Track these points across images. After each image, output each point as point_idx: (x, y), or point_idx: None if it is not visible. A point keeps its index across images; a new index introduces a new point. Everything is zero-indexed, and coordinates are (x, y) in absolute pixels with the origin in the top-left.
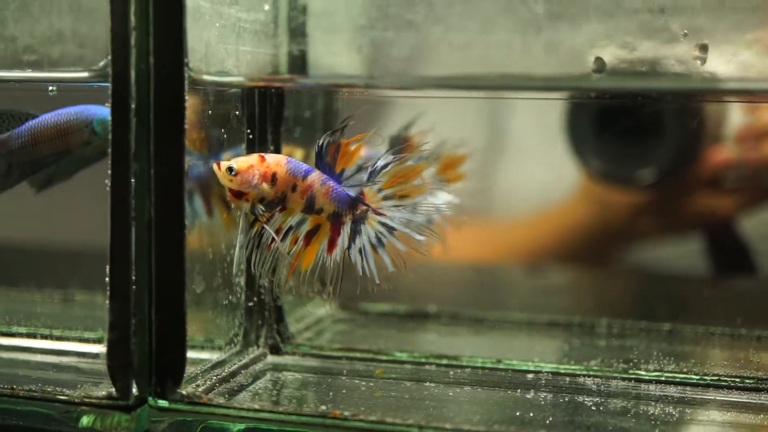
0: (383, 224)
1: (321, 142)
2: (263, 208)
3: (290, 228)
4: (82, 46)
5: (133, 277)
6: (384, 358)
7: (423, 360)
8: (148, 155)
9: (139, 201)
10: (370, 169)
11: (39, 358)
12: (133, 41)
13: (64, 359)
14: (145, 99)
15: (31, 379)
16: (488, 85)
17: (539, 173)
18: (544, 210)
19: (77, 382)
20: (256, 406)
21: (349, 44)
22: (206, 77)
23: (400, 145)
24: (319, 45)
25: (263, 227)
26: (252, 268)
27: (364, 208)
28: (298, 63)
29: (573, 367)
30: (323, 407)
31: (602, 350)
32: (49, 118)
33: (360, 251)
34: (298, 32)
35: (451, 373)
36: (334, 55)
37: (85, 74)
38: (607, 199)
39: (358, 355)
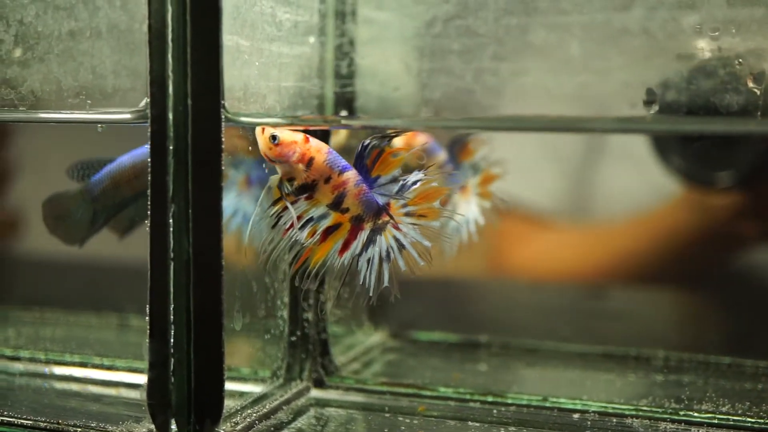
0: (396, 239)
1: (367, 142)
2: (289, 189)
3: (311, 219)
4: (124, 87)
5: (172, 317)
6: (428, 393)
7: (467, 396)
8: (186, 196)
9: (177, 241)
10: (401, 183)
11: (91, 388)
12: (170, 84)
13: (113, 390)
14: (183, 141)
15: (79, 412)
16: (529, 126)
17: (638, 176)
18: (644, 213)
19: (121, 416)
20: None
21: (394, 82)
22: (244, 118)
23: (459, 146)
24: (366, 81)
25: (285, 209)
26: (260, 248)
27: (387, 219)
28: (346, 100)
29: (622, 406)
30: None
31: (655, 387)
32: (126, 160)
33: (368, 261)
34: (345, 70)
35: (495, 411)
36: (381, 92)
37: (127, 116)
38: (707, 203)
39: (402, 390)
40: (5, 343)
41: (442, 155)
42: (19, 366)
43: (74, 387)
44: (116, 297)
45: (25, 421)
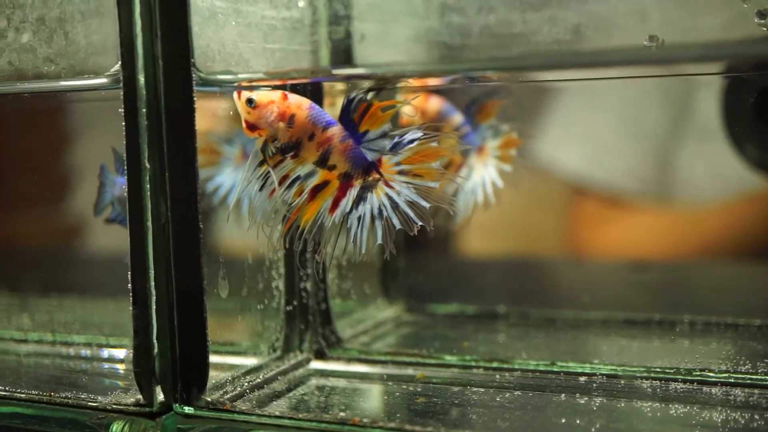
0: (389, 197)
1: (352, 96)
2: (274, 150)
3: (298, 178)
4: (100, 51)
5: (153, 282)
6: (432, 362)
7: (472, 363)
8: (162, 158)
9: (154, 204)
10: (396, 140)
11: (95, 365)
12: (140, 45)
13: (115, 365)
14: (155, 102)
15: (76, 385)
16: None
17: (729, 155)
18: (733, 197)
19: (114, 388)
20: (277, 413)
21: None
22: (221, 77)
23: (476, 107)
24: (365, 36)
25: (270, 171)
26: (247, 212)
27: (377, 176)
28: (341, 57)
29: (632, 368)
30: (342, 414)
31: (673, 350)
32: None
33: (359, 219)
34: (340, 25)
35: (497, 376)
36: (381, 47)
37: (103, 80)
38: None
39: (405, 359)
40: (18, 327)
41: (457, 118)
42: (27, 347)
43: (77, 364)
44: None
45: (19, 395)
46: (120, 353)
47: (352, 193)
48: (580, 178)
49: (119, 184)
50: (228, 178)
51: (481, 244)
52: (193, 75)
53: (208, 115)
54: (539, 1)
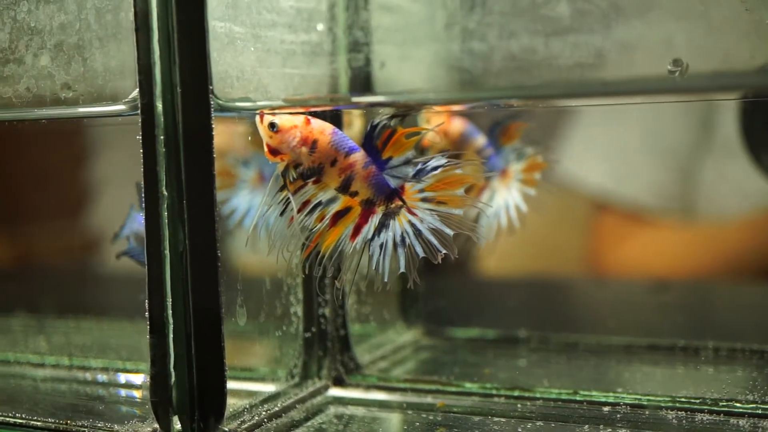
0: (412, 225)
1: (376, 122)
2: (295, 176)
3: (319, 203)
4: (118, 78)
5: (170, 311)
6: (452, 389)
7: (493, 392)
8: (180, 186)
9: (172, 232)
10: (419, 167)
11: (111, 390)
12: (158, 72)
13: (132, 392)
14: (173, 129)
15: (93, 412)
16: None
17: (752, 172)
18: (757, 213)
19: (131, 416)
20: None
21: (408, 59)
22: (238, 103)
23: (500, 129)
24: (386, 63)
25: (290, 197)
26: (266, 237)
27: (400, 203)
28: (360, 82)
29: (657, 398)
30: None
31: (698, 378)
32: None
33: (381, 246)
34: (360, 51)
35: (519, 406)
36: (401, 72)
37: (122, 107)
38: None
39: (424, 386)
40: (35, 350)
41: (480, 140)
42: (44, 371)
43: (94, 390)
44: None
45: (35, 422)
46: (137, 379)
47: (374, 220)
48: (603, 195)
49: (138, 220)
50: (244, 201)
51: (501, 266)
52: (212, 102)
53: (225, 138)
54: (561, 26)
